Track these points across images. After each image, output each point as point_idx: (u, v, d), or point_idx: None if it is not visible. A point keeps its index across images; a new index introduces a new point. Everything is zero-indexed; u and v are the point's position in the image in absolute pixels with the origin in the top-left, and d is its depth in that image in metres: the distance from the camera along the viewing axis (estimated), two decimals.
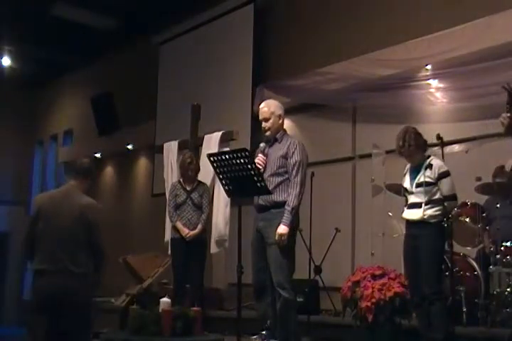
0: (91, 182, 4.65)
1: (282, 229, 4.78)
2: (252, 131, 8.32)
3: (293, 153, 4.93)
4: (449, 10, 6.71)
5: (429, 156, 4.96)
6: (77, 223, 4.34)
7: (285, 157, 4.94)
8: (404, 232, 5.45)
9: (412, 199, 4.94)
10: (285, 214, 4.81)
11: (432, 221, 4.83)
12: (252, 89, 8.61)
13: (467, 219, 5.69)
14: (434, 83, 6.68)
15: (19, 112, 14.33)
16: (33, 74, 13.39)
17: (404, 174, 5.07)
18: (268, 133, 5.08)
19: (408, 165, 5.05)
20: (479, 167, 5.86)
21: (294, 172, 4.90)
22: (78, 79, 13.43)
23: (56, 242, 4.34)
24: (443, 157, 5.19)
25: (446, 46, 6.40)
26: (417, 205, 4.87)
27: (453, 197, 4.90)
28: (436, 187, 4.85)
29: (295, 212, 4.87)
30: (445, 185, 4.84)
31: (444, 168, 4.87)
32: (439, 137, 5.26)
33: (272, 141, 5.09)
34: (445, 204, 4.85)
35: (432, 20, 6.79)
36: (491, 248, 5.46)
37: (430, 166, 4.86)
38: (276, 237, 4.77)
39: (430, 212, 4.83)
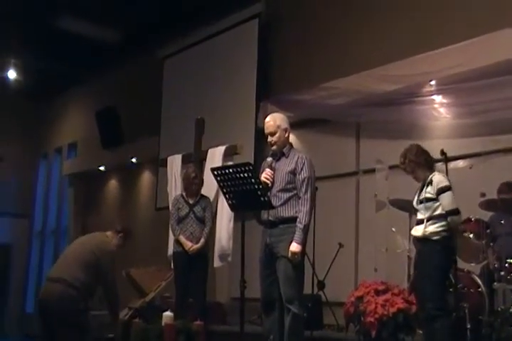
0: (124, 239, 5.69)
1: (295, 247, 4.71)
2: (256, 146, 8.33)
3: (301, 169, 4.86)
4: (453, 26, 6.73)
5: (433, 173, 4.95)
6: (86, 252, 5.34)
7: (293, 173, 4.87)
8: (407, 248, 5.42)
9: (418, 216, 4.94)
10: (297, 232, 4.74)
11: (434, 238, 4.77)
12: (256, 103, 8.62)
13: (471, 235, 5.65)
14: (438, 99, 6.69)
15: (24, 125, 14.35)
16: (38, 87, 13.42)
17: (415, 192, 5.06)
18: (274, 147, 4.99)
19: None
20: (483, 183, 5.83)
21: (303, 188, 4.83)
22: (83, 93, 13.48)
23: (64, 258, 5.43)
24: (447, 172, 5.16)
25: (451, 62, 6.40)
26: (421, 222, 4.86)
27: (454, 212, 4.78)
28: (438, 203, 4.80)
29: (307, 230, 4.83)
30: (444, 200, 4.77)
31: (444, 183, 4.81)
32: (443, 152, 5.24)
33: (278, 156, 5.01)
34: (448, 219, 4.77)
35: (436, 36, 6.82)
36: (495, 264, 5.42)
37: (431, 182, 4.84)
38: (290, 255, 4.70)
39: (432, 228, 4.78)
